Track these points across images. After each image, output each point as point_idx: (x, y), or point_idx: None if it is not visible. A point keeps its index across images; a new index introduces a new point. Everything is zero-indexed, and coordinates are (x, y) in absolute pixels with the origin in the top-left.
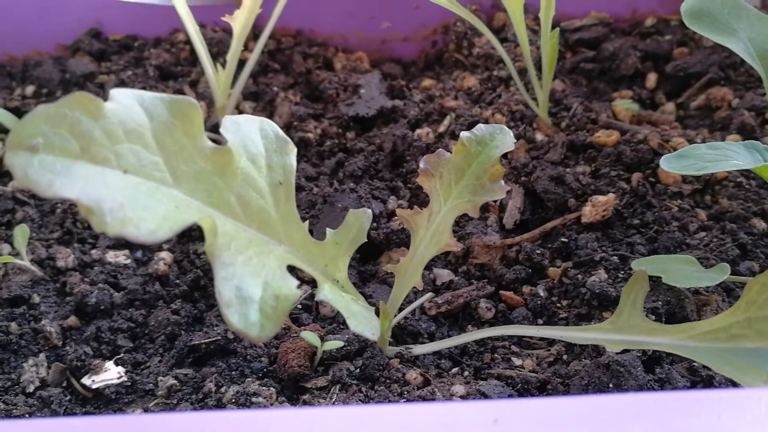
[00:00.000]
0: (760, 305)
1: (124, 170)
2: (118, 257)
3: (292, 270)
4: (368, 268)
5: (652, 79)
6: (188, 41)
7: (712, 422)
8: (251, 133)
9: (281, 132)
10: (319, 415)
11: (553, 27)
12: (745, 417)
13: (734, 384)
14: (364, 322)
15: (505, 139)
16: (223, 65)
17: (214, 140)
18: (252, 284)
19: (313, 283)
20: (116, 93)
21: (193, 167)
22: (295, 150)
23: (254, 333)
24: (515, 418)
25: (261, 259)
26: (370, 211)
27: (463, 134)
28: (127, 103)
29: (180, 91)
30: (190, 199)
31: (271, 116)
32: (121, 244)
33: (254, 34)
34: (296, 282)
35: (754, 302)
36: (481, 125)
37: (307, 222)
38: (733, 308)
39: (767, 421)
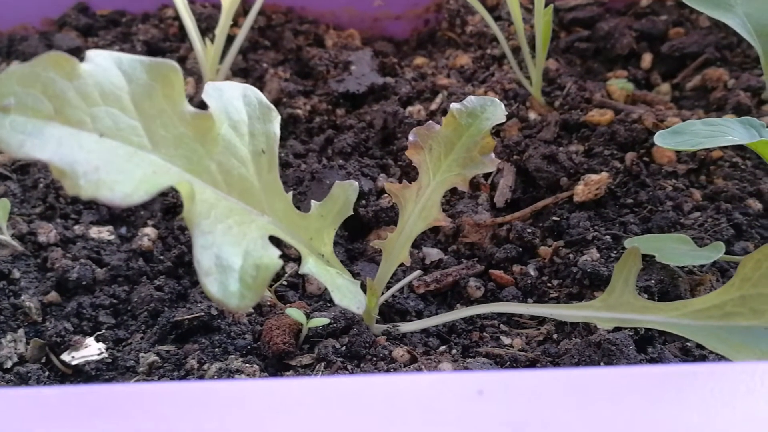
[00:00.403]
0: (754, 282)
1: (100, 133)
2: (102, 233)
3: (275, 242)
4: (357, 247)
5: (647, 59)
6: (177, 17)
7: (705, 395)
8: (234, 100)
9: (265, 99)
10: (299, 386)
11: (547, 5)
12: (738, 390)
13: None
14: (349, 295)
15: (496, 111)
16: (212, 41)
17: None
18: (232, 253)
19: (299, 260)
20: (93, 54)
21: (173, 132)
22: (278, 117)
23: (234, 303)
24: (500, 390)
25: (242, 229)
26: (356, 183)
27: (453, 106)
28: (104, 64)
29: None
30: (168, 165)
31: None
32: (105, 219)
33: (244, 9)
34: (278, 252)
35: (748, 279)
36: (471, 97)
37: (291, 193)
38: (727, 285)
39: (760, 394)
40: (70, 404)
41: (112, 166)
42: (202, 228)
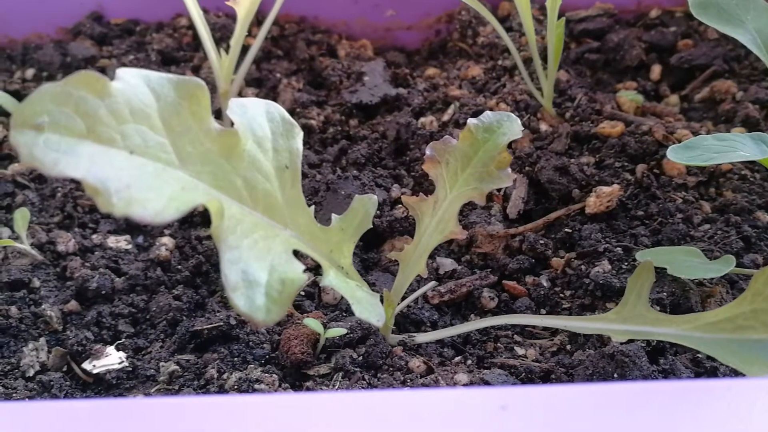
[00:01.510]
0: (766, 297)
1: (130, 150)
2: (119, 242)
3: (296, 255)
4: (371, 256)
5: (656, 70)
6: (191, 26)
7: (721, 411)
8: (257, 116)
9: (287, 115)
10: (324, 401)
11: (559, 17)
12: (754, 406)
13: (739, 375)
14: (369, 308)
15: (513, 127)
16: (227, 51)
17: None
18: (258, 268)
19: (315, 269)
20: (123, 72)
21: (200, 149)
22: (301, 134)
23: (260, 317)
24: (523, 405)
25: (267, 243)
26: (375, 197)
27: (471, 121)
28: (133, 82)
29: None
30: (196, 181)
31: (274, 102)
32: (122, 228)
33: (258, 19)
34: (302, 266)
35: (760, 294)
36: (488, 112)
37: (313, 207)
38: (739, 299)
39: None
40: (98, 418)
41: (143, 183)
42: (229, 243)
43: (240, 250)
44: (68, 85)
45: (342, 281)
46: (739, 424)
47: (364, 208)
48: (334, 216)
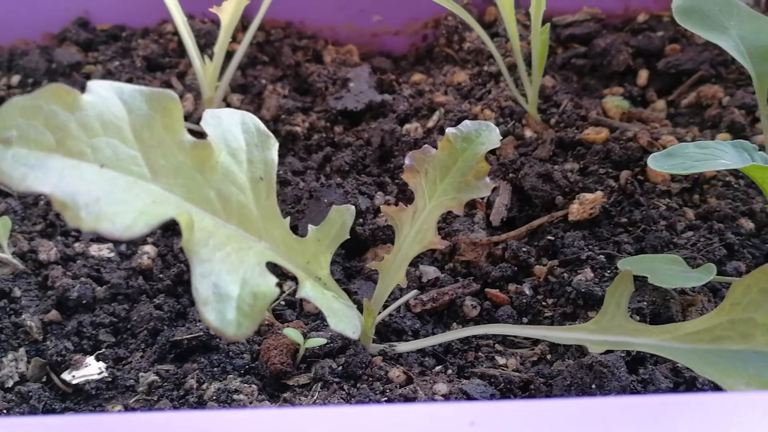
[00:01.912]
0: (744, 307)
1: (101, 164)
2: (102, 251)
3: (272, 266)
4: (354, 265)
5: (643, 75)
6: (176, 32)
7: (695, 427)
8: (232, 127)
9: (263, 126)
10: (290, 415)
11: (545, 22)
12: (730, 422)
13: (716, 386)
14: (344, 320)
15: (491, 136)
16: (211, 57)
17: (200, 133)
18: (230, 281)
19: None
20: (94, 85)
21: (172, 162)
22: (276, 144)
23: (231, 331)
24: (492, 421)
25: (240, 256)
26: (353, 207)
27: (449, 131)
28: (105, 95)
29: (167, 83)
30: (168, 194)
31: (258, 109)
32: (104, 237)
33: (243, 25)
34: (275, 280)
35: (738, 304)
36: (467, 122)
37: (289, 218)
38: (717, 310)
39: (751, 426)
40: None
41: (113, 197)
42: (201, 256)
43: (212, 264)
44: (38, 98)
45: (319, 292)
46: None
47: (341, 218)
48: (310, 227)
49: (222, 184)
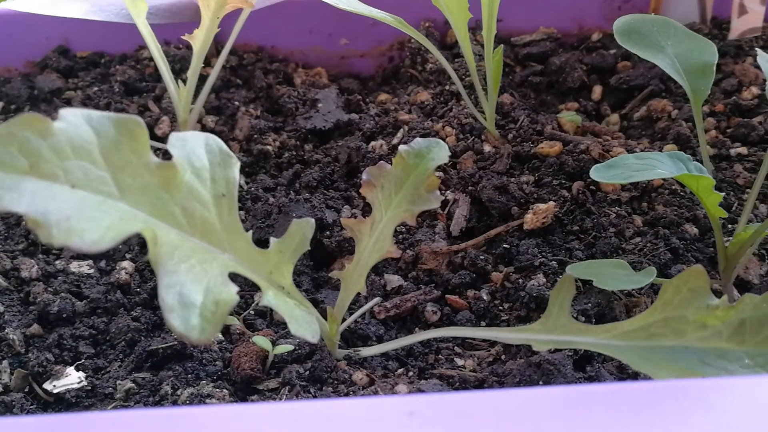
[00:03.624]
0: (675, 305)
1: (72, 185)
2: (82, 267)
3: (235, 277)
4: (322, 275)
5: (597, 91)
6: (153, 58)
7: (606, 415)
8: (196, 148)
9: (225, 147)
10: (232, 412)
11: (504, 42)
12: (666, 410)
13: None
14: (304, 325)
15: (440, 152)
16: (185, 81)
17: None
18: (194, 290)
19: None
20: (65, 113)
21: (139, 181)
22: (238, 164)
23: (194, 335)
24: (430, 411)
25: (204, 267)
26: (312, 220)
27: (401, 148)
28: (75, 122)
29: (145, 106)
30: (135, 211)
31: (232, 129)
32: (84, 255)
33: (217, 49)
34: (236, 288)
35: (669, 302)
36: (418, 139)
37: (251, 231)
38: (651, 309)
39: (690, 415)
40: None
41: (82, 215)
42: (167, 268)
43: (177, 275)
44: (12, 126)
45: (280, 300)
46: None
47: (301, 231)
48: (272, 239)
49: (186, 200)
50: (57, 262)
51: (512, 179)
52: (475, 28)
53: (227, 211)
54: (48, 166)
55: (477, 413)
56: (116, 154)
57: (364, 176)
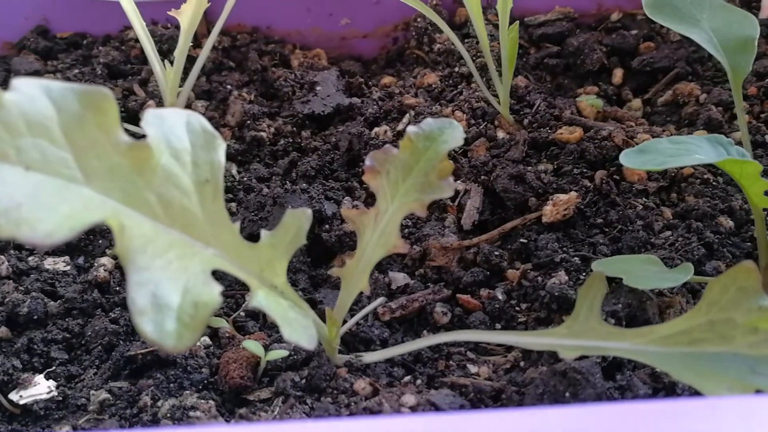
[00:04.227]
0: (721, 307)
1: (26, 166)
2: (57, 264)
3: (221, 275)
4: (320, 273)
5: (618, 74)
6: (138, 39)
7: None
8: (176, 128)
9: (209, 126)
10: None
11: (517, 21)
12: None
13: (696, 391)
14: (299, 330)
15: (454, 134)
16: (172, 63)
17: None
18: (171, 290)
19: None
20: (18, 83)
21: (107, 164)
22: (224, 145)
23: (170, 343)
24: None
25: (183, 263)
26: (309, 211)
27: (410, 129)
28: (30, 93)
29: (129, 90)
30: (103, 198)
31: (223, 115)
32: (61, 250)
33: (208, 29)
34: (219, 288)
35: (715, 304)
36: (429, 119)
37: (239, 223)
38: (694, 310)
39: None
40: None
41: (37, 202)
42: (138, 264)
43: (150, 272)
44: None
45: (273, 301)
46: None
47: (297, 222)
48: (263, 232)
49: (163, 187)
50: (30, 258)
51: (529, 168)
52: (486, 7)
53: (211, 199)
54: None
55: None
56: (80, 132)
57: (367, 161)
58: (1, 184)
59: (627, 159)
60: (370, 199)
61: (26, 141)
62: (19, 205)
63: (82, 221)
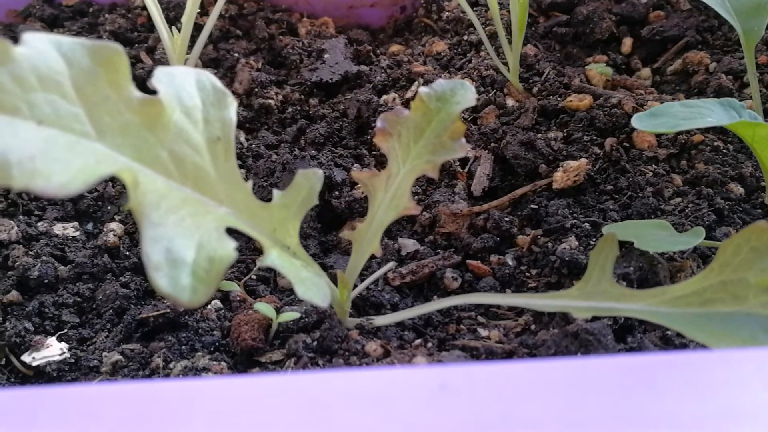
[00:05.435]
0: (734, 268)
1: (39, 121)
2: (66, 229)
3: (233, 233)
4: (330, 239)
5: (627, 43)
6: (145, 6)
7: (679, 386)
8: (186, 85)
9: (219, 84)
10: (249, 384)
11: None
12: (715, 379)
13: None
14: (312, 288)
15: (467, 95)
16: (180, 30)
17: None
18: (184, 246)
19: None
20: (29, 37)
21: (119, 120)
22: (234, 103)
23: (185, 297)
24: (464, 384)
25: (196, 220)
26: (320, 171)
27: (422, 90)
28: (41, 48)
29: (136, 57)
30: (115, 154)
31: (231, 83)
32: (70, 215)
33: None
34: (234, 244)
35: (728, 264)
36: (441, 80)
37: (251, 182)
38: (707, 271)
39: (737, 384)
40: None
41: (50, 155)
42: (152, 219)
43: (164, 227)
44: None
45: (286, 261)
46: (695, 399)
47: (308, 183)
48: (276, 191)
49: (175, 144)
50: (39, 223)
51: (539, 135)
52: None
53: (223, 157)
54: (8, 98)
55: (518, 385)
56: (92, 88)
57: (378, 123)
58: (14, 138)
59: (639, 122)
60: (378, 167)
61: (38, 96)
62: (32, 157)
63: (95, 174)
